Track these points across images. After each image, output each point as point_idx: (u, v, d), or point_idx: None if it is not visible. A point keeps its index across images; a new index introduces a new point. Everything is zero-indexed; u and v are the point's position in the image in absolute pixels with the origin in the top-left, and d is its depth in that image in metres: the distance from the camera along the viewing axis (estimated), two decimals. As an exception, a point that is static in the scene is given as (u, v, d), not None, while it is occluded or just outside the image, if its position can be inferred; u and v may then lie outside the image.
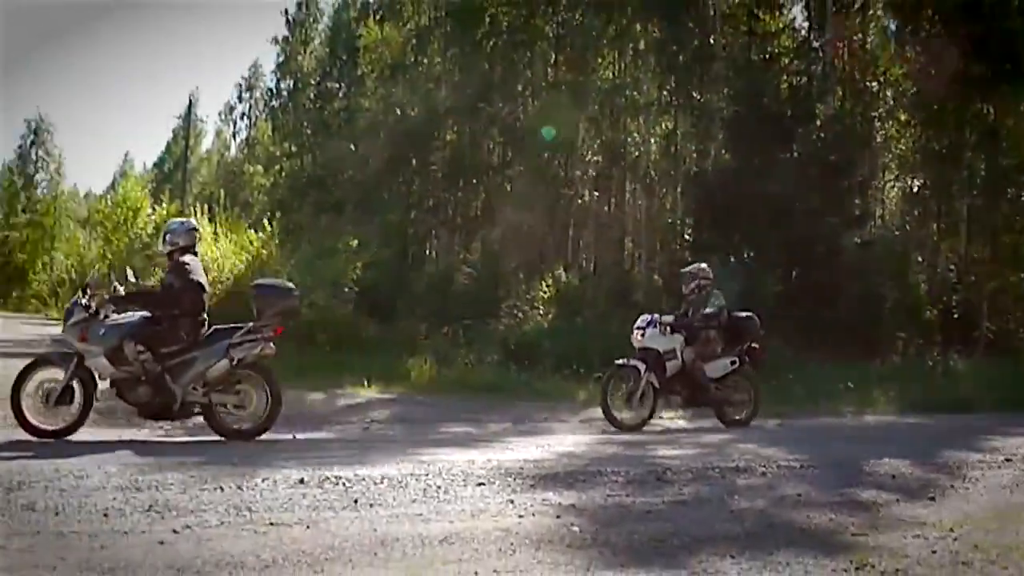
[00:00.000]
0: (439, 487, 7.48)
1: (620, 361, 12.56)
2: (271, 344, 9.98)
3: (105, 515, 6.35)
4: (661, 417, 13.29)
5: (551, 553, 5.84)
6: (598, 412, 14.11)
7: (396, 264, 27.12)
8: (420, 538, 6.04)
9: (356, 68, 37.19)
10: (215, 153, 62.64)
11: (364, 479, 7.61)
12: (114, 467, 7.79)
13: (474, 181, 29.94)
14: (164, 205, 35.43)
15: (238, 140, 59.12)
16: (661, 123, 27.81)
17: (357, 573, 5.40)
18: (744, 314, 13.03)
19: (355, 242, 24.61)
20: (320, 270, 22.83)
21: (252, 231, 24.07)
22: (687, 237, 25.42)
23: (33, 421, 9.25)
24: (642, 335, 12.52)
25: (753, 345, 12.85)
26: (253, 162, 49.60)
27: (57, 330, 27.82)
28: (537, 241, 26.30)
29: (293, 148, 42.64)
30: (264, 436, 10.44)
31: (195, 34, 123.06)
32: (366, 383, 15.84)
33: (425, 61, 32.12)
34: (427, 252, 31.36)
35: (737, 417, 12.75)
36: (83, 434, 9.75)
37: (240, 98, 58.14)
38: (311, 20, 48.81)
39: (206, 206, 26.90)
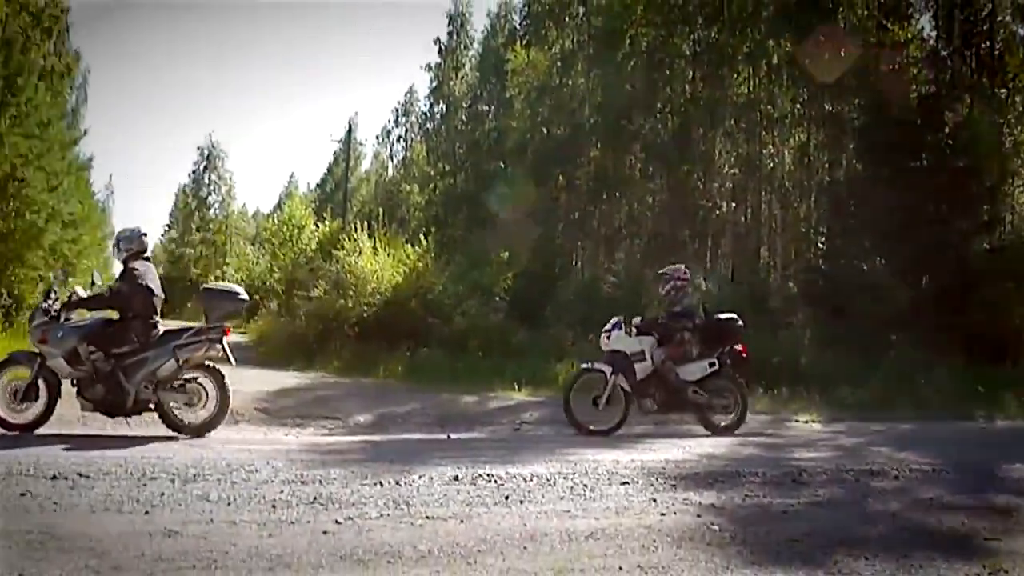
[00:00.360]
0: (585, 485, 7.48)
1: (585, 364, 11.99)
2: (217, 345, 9.89)
3: (273, 506, 6.54)
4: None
5: (692, 551, 5.81)
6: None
7: (544, 274, 27.19)
8: (567, 533, 6.05)
9: (504, 91, 37.40)
10: (373, 173, 63.65)
11: (515, 477, 7.64)
12: (281, 462, 7.99)
13: (617, 195, 29.84)
14: (327, 222, 36.25)
15: (395, 161, 60.04)
16: (794, 135, 27.28)
17: (507, 565, 5.44)
18: (725, 315, 12.11)
19: (506, 254, 24.81)
20: (473, 280, 23.11)
21: (409, 245, 24.43)
22: (820, 245, 24.89)
23: (2, 415, 9.42)
24: (608, 338, 11.81)
25: (736, 348, 11.81)
26: (409, 181, 50.26)
27: (233, 338, 28.75)
28: (677, 251, 26.05)
29: (446, 167, 43.16)
30: (420, 436, 10.60)
31: (354, 64, 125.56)
32: (516, 387, 15.92)
33: (569, 82, 32.15)
34: (573, 262, 31.34)
35: (723, 423, 11.69)
36: (249, 433, 10.08)
37: (396, 122, 59.08)
38: (462, 47, 49.23)
39: (366, 223, 27.35)
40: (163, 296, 10.16)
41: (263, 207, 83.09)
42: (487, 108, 43.28)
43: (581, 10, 32.82)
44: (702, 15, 27.33)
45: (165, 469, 7.47)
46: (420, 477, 7.50)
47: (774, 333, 19.83)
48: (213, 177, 67.25)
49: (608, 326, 11.91)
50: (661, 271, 12.68)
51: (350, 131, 52.67)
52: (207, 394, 9.82)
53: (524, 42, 36.37)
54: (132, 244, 10.15)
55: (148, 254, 10.27)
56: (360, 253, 23.63)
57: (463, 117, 45.38)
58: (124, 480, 7.11)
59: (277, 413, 12.44)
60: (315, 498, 6.77)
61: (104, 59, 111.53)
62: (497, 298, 23.44)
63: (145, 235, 10.31)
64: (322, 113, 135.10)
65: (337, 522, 6.18)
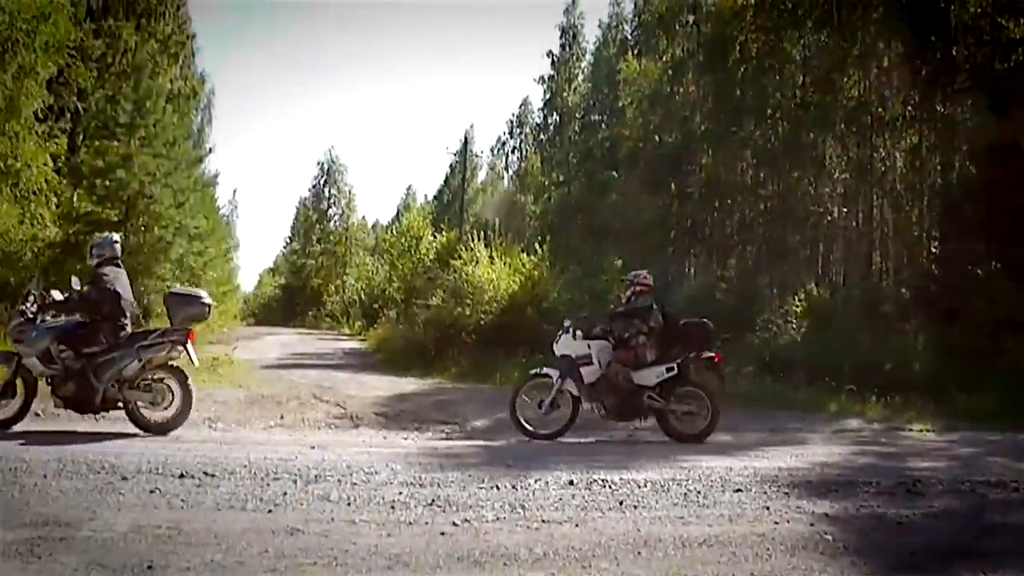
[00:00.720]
0: (699, 492, 7.44)
1: (534, 370, 11.83)
2: (179, 347, 10.09)
3: (392, 507, 6.66)
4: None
5: (805, 560, 5.74)
6: (852, 423, 13.63)
7: (656, 281, 27.03)
8: (680, 540, 6.04)
9: (617, 100, 37.30)
10: (489, 184, 63.95)
11: (629, 482, 7.64)
12: (400, 465, 8.13)
13: (728, 201, 29.50)
14: (444, 233, 36.59)
15: (510, 172, 60.18)
16: (906, 137, 26.54)
17: (622, 570, 5.45)
18: (694, 320, 11.57)
19: (619, 262, 24.73)
20: (587, 288, 23.11)
21: (524, 254, 24.54)
22: (933, 250, 24.17)
23: None
24: (556, 342, 11.52)
25: (704, 353, 11.18)
26: (524, 191, 50.32)
27: (347, 344, 29.23)
28: (789, 257, 25.64)
29: (560, 177, 43.18)
30: (536, 442, 10.63)
31: (470, 77, 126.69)
32: (630, 393, 15.87)
33: (680, 90, 31.92)
34: (686, 270, 31.05)
35: (688, 431, 11.04)
36: (368, 436, 10.28)
37: (511, 133, 59.14)
38: (574, 59, 49.18)
39: (482, 233, 27.60)
40: (132, 300, 10.46)
41: (382, 218, 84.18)
42: (600, 118, 43.19)
43: (691, 18, 32.54)
44: (812, 18, 26.81)
45: (288, 470, 7.67)
46: (536, 481, 7.55)
47: (887, 339, 19.35)
48: (333, 191, 68.22)
49: (560, 331, 11.66)
50: (623, 277, 12.57)
51: (466, 143, 53.11)
52: (172, 394, 10.06)
53: (635, 51, 36.25)
54: (104, 251, 10.44)
55: (118, 260, 10.53)
56: (477, 262, 23.84)
57: (576, 127, 45.35)
58: (248, 480, 7.33)
59: (396, 417, 12.64)
60: (433, 500, 6.86)
61: (228, 80, 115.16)
62: (611, 305, 23.42)
63: (116, 242, 10.60)
64: (439, 126, 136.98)
65: (454, 524, 6.25)
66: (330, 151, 69.67)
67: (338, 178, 68.45)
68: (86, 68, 28.68)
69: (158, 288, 23.72)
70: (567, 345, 11.38)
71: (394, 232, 42.79)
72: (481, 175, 65.35)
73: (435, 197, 72.93)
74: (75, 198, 24.25)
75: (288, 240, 73.20)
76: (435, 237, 37.34)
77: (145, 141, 24.32)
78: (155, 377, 10.06)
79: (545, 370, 11.47)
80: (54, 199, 24.79)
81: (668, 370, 11.05)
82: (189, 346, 10.16)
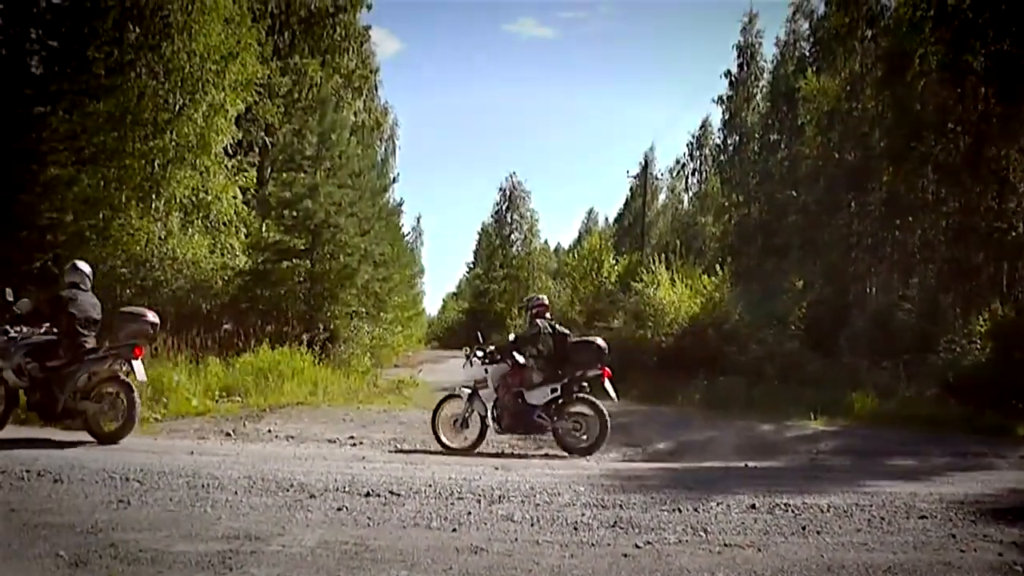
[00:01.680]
0: (882, 518, 7.28)
1: (449, 392, 12.58)
2: (122, 361, 10.76)
3: (575, 528, 6.75)
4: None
5: (992, 589, 5.56)
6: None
7: (837, 302, 26.38)
8: (864, 567, 5.93)
9: (796, 119, 36.62)
10: (669, 206, 63.51)
11: (812, 507, 7.54)
12: (583, 487, 8.22)
13: (909, 219, 28.51)
14: (625, 255, 36.61)
15: (690, 194, 59.72)
16: (1099, 148, 25.03)
17: (804, 597, 5.42)
18: (583, 340, 12.33)
19: (800, 282, 24.30)
20: (768, 309, 22.80)
21: (705, 276, 24.38)
22: None
23: None
24: (463, 366, 12.61)
25: (590, 373, 11.74)
26: (704, 213, 49.88)
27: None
28: (972, 275, 24.57)
29: (740, 198, 42.59)
30: (718, 463, 10.60)
31: (649, 99, 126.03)
32: (812, 415, 15.58)
33: (859, 106, 31.10)
34: (867, 289, 30.12)
35: (577, 446, 11.58)
36: (551, 458, 10.48)
37: (691, 155, 58.81)
38: (752, 78, 48.49)
39: (663, 255, 27.49)
40: (95, 317, 11.20)
41: (564, 242, 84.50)
42: (778, 137, 42.41)
43: (869, 32, 31.71)
44: (993, 28, 25.71)
45: (471, 490, 7.87)
46: (718, 504, 7.53)
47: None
48: (515, 216, 68.77)
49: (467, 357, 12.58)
50: (521, 302, 13.39)
51: (646, 166, 52.80)
52: (118, 404, 10.68)
53: (813, 68, 35.52)
54: (70, 276, 11.48)
55: (81, 284, 11.42)
56: (658, 285, 23.82)
57: (755, 147, 44.64)
58: (433, 499, 7.55)
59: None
60: (615, 522, 6.91)
61: (411, 108, 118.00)
62: (792, 326, 23.02)
63: (79, 269, 11.57)
64: (620, 150, 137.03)
65: (637, 546, 6.29)
66: (512, 176, 69.55)
67: (520, 203, 69.01)
68: (273, 104, 29.94)
69: (344, 313, 24.52)
70: (471, 369, 12.49)
71: (576, 255, 42.95)
72: (661, 197, 64.93)
73: (616, 220, 72.79)
74: (264, 228, 25.13)
75: (471, 265, 74.40)
76: (616, 260, 37.41)
77: (330, 172, 25.02)
78: (109, 390, 10.74)
79: (457, 391, 12.34)
80: (243, 229, 25.84)
81: (552, 391, 11.76)
82: (135, 362, 10.81)
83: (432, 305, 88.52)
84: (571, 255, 47.65)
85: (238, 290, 23.31)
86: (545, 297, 13.04)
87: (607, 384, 11.77)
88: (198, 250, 23.22)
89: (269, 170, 30.38)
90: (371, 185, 28.44)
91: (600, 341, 12.15)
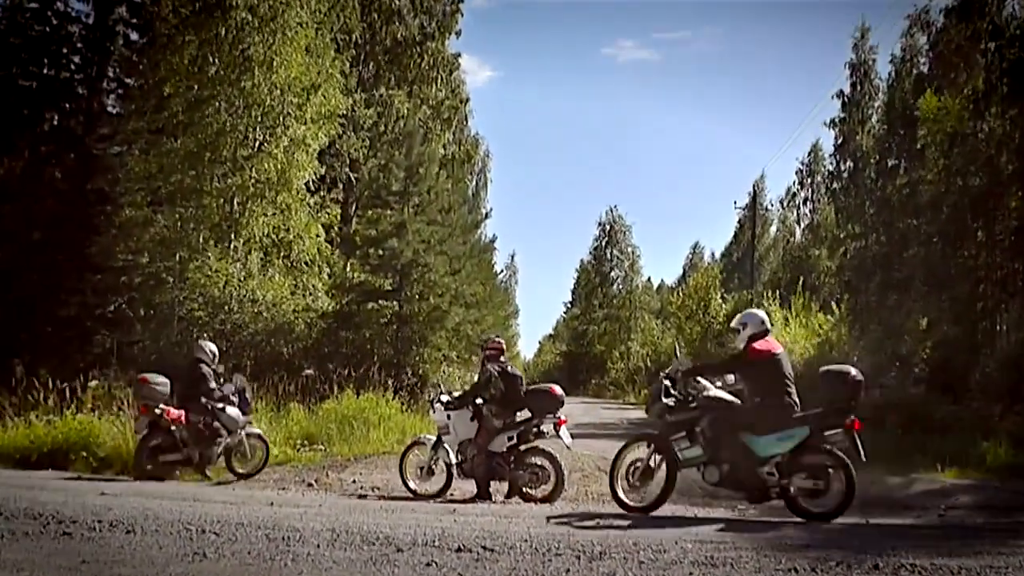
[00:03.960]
0: (1018, 581, 7.03)
1: (417, 437, 13.71)
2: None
3: (681, 588, 6.61)
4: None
5: None
6: None
7: (965, 341, 25.71)
8: (999, 635, 5.77)
9: (915, 142, 35.98)
10: (781, 239, 62.82)
11: (941, 569, 7.27)
12: (691, 543, 8.08)
13: (1043, 249, 27.72)
14: (734, 294, 36.37)
15: (802, 225, 58.95)
16: None
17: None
18: (540, 387, 13.33)
19: (924, 321, 23.80)
20: (889, 350, 22.34)
21: (821, 314, 24.05)
22: None
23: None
24: (429, 412, 13.47)
25: (546, 420, 12.47)
26: (818, 245, 49.25)
27: (633, 414, 29.31)
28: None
29: (856, 228, 41.92)
30: (839, 522, 10.38)
31: (756, 126, 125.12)
32: (939, 467, 15.19)
33: (984, 126, 30.42)
34: (997, 327, 29.31)
35: (536, 494, 12.24)
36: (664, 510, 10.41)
37: (801, 183, 58.10)
38: (866, 98, 47.83)
39: (775, 292, 27.27)
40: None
41: (667, 279, 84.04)
42: (896, 161, 41.64)
43: (991, 44, 31.03)
44: None
45: (570, 545, 7.78)
46: (837, 564, 7.32)
47: None
48: (615, 251, 68.51)
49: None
50: (481, 340, 13.67)
51: (755, 196, 52.45)
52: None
53: (933, 86, 34.90)
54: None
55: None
56: (771, 325, 23.58)
57: (871, 173, 43.91)
58: (528, 555, 7.46)
59: (684, 491, 12.63)
60: (726, 581, 6.76)
61: (505, 141, 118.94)
62: (915, 369, 22.52)
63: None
64: (726, 178, 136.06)
65: (747, 607, 6.15)
66: (612, 210, 69.08)
67: (620, 238, 68.60)
68: (358, 138, 30.44)
69: (433, 358, 24.69)
70: (435, 417, 13.22)
71: (681, 293, 42.77)
72: (772, 229, 64.36)
73: (723, 255, 72.26)
74: (348, 268, 25.54)
75: (568, 305, 74.23)
76: (724, 298, 37.14)
77: (419, 208, 25.40)
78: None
79: (423, 437, 13.44)
80: (326, 269, 26.26)
81: (509, 439, 12.43)
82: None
83: (528, 348, 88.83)
84: (675, 293, 47.46)
85: (321, 333, 23.66)
86: (500, 339, 13.78)
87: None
88: (279, 291, 23.67)
89: (354, 207, 30.90)
90: (462, 221, 28.71)
91: (556, 389, 12.87)
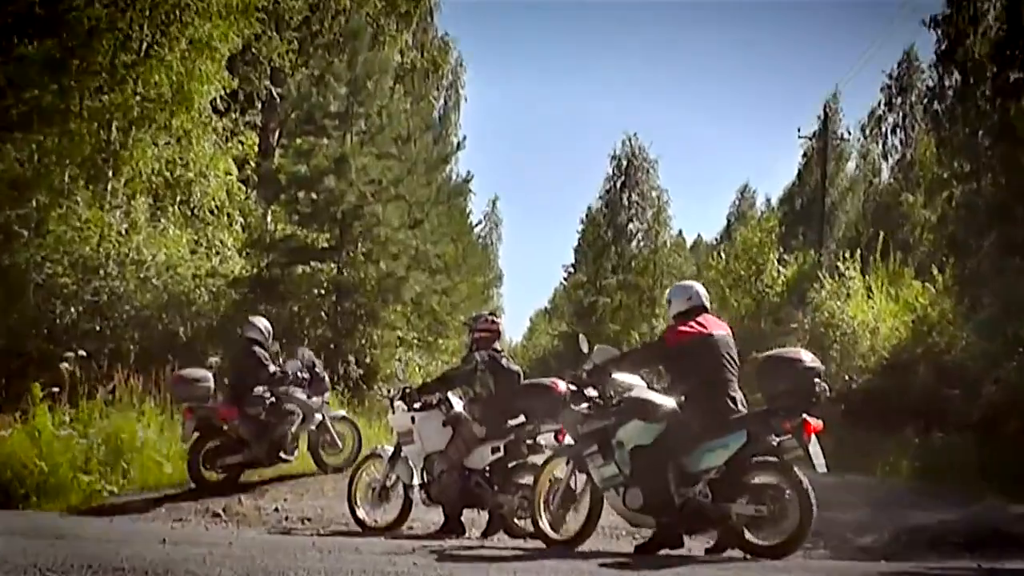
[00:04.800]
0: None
1: (374, 448, 13.76)
2: None
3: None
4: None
5: None
6: None
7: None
8: None
9: (1048, 48, 36.06)
10: (861, 180, 62.79)
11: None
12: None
13: None
14: (797, 254, 36.35)
15: (890, 161, 59.00)
16: None
17: None
18: (541, 382, 12.82)
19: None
20: (1011, 334, 22.32)
21: (916, 283, 24.07)
22: None
23: None
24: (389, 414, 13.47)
25: (545, 427, 12.30)
26: (911, 188, 49.35)
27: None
28: None
29: (965, 166, 42.00)
30: (938, 565, 10.51)
31: (825, 24, 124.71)
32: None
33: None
34: None
35: (518, 522, 12.20)
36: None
37: (889, 105, 58.08)
38: (981, -14, 47.90)
39: (853, 251, 27.26)
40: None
41: (706, 233, 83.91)
42: (1021, 75, 41.73)
43: None
44: None
45: None
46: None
47: None
48: (634, 196, 67.49)
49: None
50: (465, 319, 13.92)
51: (826, 123, 52.16)
52: None
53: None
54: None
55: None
56: (847, 296, 23.58)
57: (986, 91, 44.00)
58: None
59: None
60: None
61: (483, 46, 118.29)
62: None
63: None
64: (786, 99, 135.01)
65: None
66: (630, 140, 67.76)
67: (642, 178, 67.65)
68: (283, 39, 30.19)
69: (385, 341, 24.62)
70: (395, 418, 13.21)
71: (724, 253, 42.70)
72: (850, 167, 64.31)
73: (782, 201, 71.98)
74: (269, 218, 25.44)
75: (570, 269, 74.04)
76: (784, 261, 37.10)
77: (366, 136, 25.42)
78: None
79: (379, 449, 13.51)
80: (239, 219, 26.18)
81: (494, 451, 12.38)
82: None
83: (514, 326, 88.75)
84: (717, 253, 47.29)
85: (232, 307, 23.57)
86: (497, 317, 13.73)
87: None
88: (174, 250, 23.54)
89: (277, 135, 30.77)
90: (425, 155, 28.53)
91: (560, 385, 12.19)
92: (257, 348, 15.81)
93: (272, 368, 15.60)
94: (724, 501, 10.07)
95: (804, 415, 10.03)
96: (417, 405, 12.86)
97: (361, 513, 13.00)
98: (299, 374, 15.54)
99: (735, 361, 10.68)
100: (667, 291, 11.67)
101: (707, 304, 11.10)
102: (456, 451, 12.47)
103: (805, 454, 10.03)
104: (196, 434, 15.28)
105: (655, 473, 10.24)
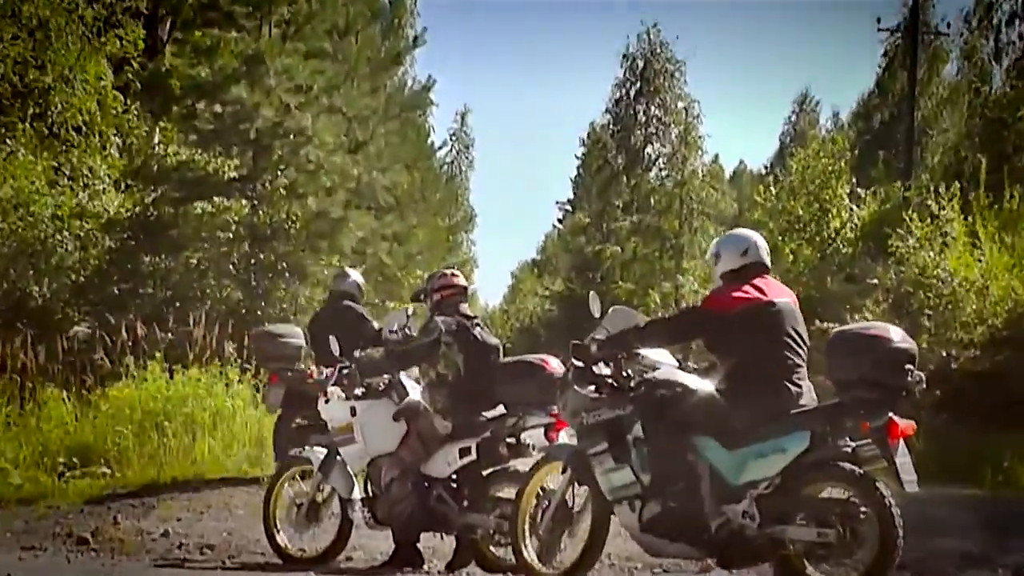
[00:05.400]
0: None
1: (296, 450, 13.43)
2: None
3: None
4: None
5: None
6: None
7: None
8: None
9: None
10: (963, 89, 62.60)
11: None
12: None
13: None
14: (877, 188, 36.47)
15: (1005, 63, 58.60)
16: None
17: None
18: (526, 360, 12.27)
19: None
20: None
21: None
22: None
23: None
24: (325, 401, 12.82)
25: (531, 420, 11.63)
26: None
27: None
28: None
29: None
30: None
31: None
32: None
33: None
34: None
35: (495, 550, 11.70)
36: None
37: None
38: None
39: (952, 184, 27.25)
40: None
41: (750, 159, 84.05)
42: None
43: None
44: None
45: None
46: None
47: None
48: (653, 109, 67.06)
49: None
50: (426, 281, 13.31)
51: (915, 10, 52.28)
52: None
53: None
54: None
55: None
56: (944, 245, 23.57)
57: None
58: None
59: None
60: None
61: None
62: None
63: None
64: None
65: None
66: (648, 32, 66.97)
67: (664, 84, 67.22)
68: None
69: (313, 301, 24.51)
70: (329, 408, 12.81)
71: (776, 188, 42.71)
72: (948, 70, 64.33)
73: (856, 117, 72.15)
74: (156, 139, 25.37)
75: (567, 209, 74.13)
76: (859, 197, 37.10)
77: (289, 29, 25.38)
78: None
79: (306, 451, 12.94)
80: (116, 140, 26.09)
81: (463, 453, 11.77)
82: None
83: (491, 285, 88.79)
84: (766, 188, 47.25)
85: (105, 258, 23.48)
86: (457, 273, 13.11)
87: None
88: (24, 182, 23.40)
89: (168, 26, 30.62)
90: (370, 54, 28.50)
91: (551, 363, 11.85)
92: (353, 303, 16.15)
93: (376, 324, 15.51)
94: (777, 523, 9.56)
95: (890, 413, 9.40)
96: (359, 391, 12.44)
97: (282, 539, 12.54)
98: (407, 330, 15.02)
99: (802, 339, 10.16)
100: (714, 242, 11.09)
101: (768, 262, 10.55)
102: (411, 453, 11.93)
103: (889, 464, 9.37)
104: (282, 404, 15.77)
105: (685, 483, 9.94)
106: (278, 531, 12.56)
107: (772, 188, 42.05)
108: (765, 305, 10.02)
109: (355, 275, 16.99)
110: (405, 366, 12.47)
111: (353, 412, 12.28)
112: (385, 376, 12.43)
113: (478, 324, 12.56)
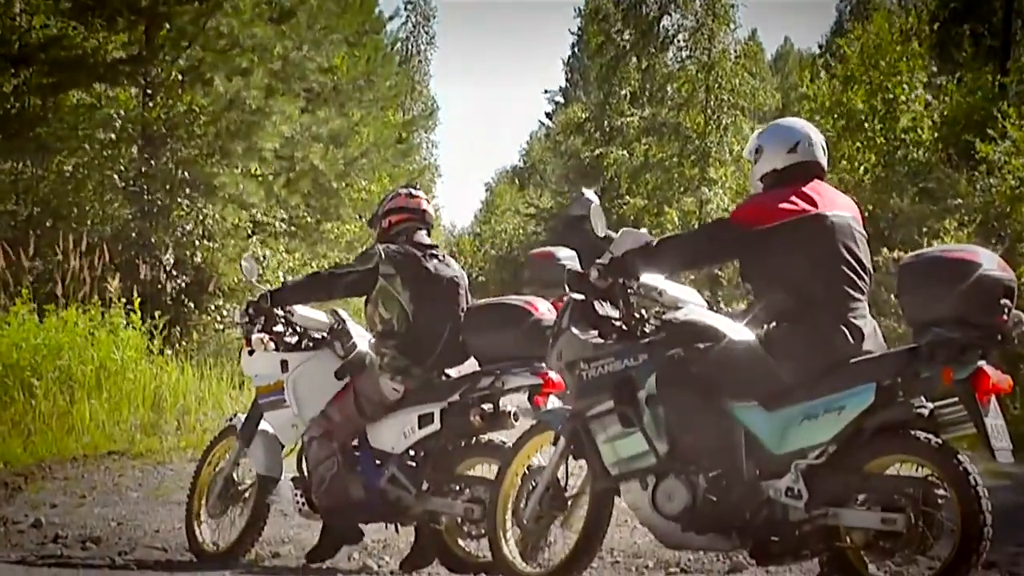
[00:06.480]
0: None
1: (230, 417, 12.97)
2: None
3: None
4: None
5: None
6: None
7: None
8: None
9: None
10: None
11: None
12: None
13: None
14: (957, 77, 36.59)
15: None
16: None
17: None
18: (499, 302, 12.05)
19: None
20: None
21: None
22: None
23: None
24: (249, 353, 12.54)
25: (511, 377, 11.26)
26: None
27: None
28: None
29: None
30: None
31: None
32: None
33: None
34: None
35: (463, 544, 11.54)
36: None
37: None
38: None
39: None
40: None
41: (797, 39, 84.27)
42: None
43: None
44: None
45: None
46: None
47: None
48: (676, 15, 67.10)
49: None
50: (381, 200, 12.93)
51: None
52: None
53: None
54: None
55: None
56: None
57: None
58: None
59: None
60: None
61: None
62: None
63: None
64: None
65: None
66: None
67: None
68: None
69: (230, 224, 24.59)
70: (251, 364, 12.71)
71: (830, 73, 42.83)
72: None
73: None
74: (17, 8, 25.47)
75: (559, 100, 74.46)
76: (936, 87, 37.18)
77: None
78: None
79: (233, 419, 12.77)
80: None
81: (424, 421, 11.43)
82: None
83: (459, 198, 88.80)
84: (816, 73, 47.19)
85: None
86: (417, 193, 12.75)
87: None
88: None
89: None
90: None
91: (538, 304, 11.58)
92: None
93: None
94: (830, 505, 9.11)
95: (980, 362, 8.85)
96: (292, 338, 12.28)
97: (199, 530, 12.24)
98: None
99: (865, 267, 9.65)
100: (755, 134, 10.44)
101: (824, 163, 10.09)
102: (342, 414, 11.68)
103: (977, 428, 8.80)
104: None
105: (713, 453, 9.56)
106: (198, 516, 12.30)
107: (823, 74, 42.11)
108: (816, 219, 9.53)
109: (591, 194, 14.76)
110: (330, 295, 12.17)
111: (284, 366, 12.04)
112: (326, 320, 12.15)
113: (435, 255, 12.15)
